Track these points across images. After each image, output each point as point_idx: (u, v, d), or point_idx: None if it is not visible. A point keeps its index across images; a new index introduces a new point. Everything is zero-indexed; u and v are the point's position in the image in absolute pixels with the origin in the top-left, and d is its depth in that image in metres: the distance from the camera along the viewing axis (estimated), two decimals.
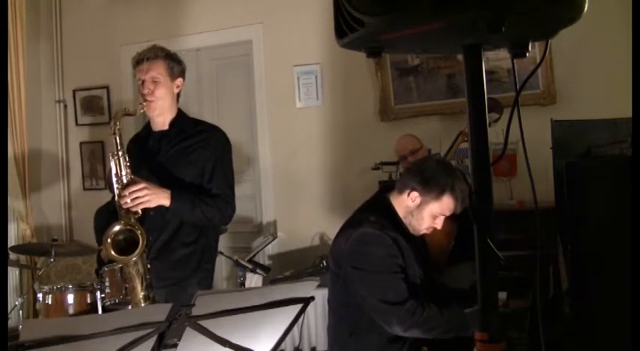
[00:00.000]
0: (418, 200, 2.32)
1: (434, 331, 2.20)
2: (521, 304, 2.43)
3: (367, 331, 2.28)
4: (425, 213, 2.32)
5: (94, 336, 1.24)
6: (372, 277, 2.23)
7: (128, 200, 2.34)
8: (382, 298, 2.20)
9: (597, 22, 3.49)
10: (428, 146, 3.72)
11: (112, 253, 2.31)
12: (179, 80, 2.63)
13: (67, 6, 5.35)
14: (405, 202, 2.35)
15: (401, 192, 2.37)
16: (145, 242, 2.33)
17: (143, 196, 2.36)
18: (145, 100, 2.52)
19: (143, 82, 2.54)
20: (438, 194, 2.29)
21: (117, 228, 2.33)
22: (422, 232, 2.39)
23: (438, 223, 2.36)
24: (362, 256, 2.25)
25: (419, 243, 2.45)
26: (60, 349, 1.21)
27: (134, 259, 2.33)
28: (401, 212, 2.37)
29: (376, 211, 2.36)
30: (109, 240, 2.30)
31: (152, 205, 2.40)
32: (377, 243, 2.24)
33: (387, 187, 2.54)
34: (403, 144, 3.66)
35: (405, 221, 2.37)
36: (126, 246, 2.34)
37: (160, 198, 2.41)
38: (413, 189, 2.32)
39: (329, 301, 2.48)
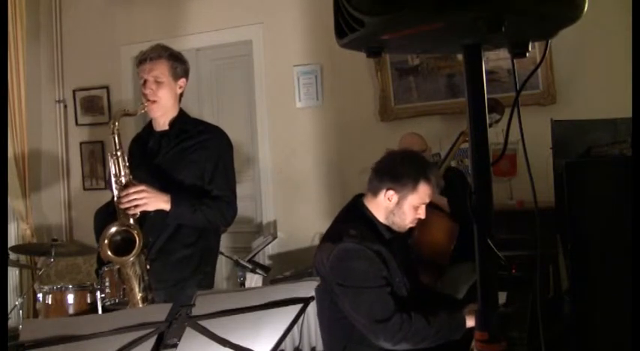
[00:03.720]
0: (395, 198, 2.32)
1: (423, 342, 2.18)
2: (521, 304, 2.43)
3: (361, 343, 2.25)
4: (405, 208, 2.32)
5: (94, 336, 1.24)
6: (357, 293, 2.19)
7: (125, 201, 2.33)
8: (368, 316, 2.18)
9: (597, 22, 3.49)
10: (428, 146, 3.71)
11: (109, 254, 2.29)
12: (182, 80, 2.60)
13: (67, 6, 5.35)
14: (382, 204, 2.34)
15: (376, 194, 2.35)
16: (141, 243, 2.31)
17: (141, 199, 2.34)
18: (147, 101, 2.50)
19: (145, 81, 2.51)
20: (414, 186, 2.30)
21: (113, 229, 2.31)
22: (408, 227, 2.38)
23: (421, 213, 2.35)
24: (345, 272, 2.22)
25: (400, 250, 2.42)
26: (60, 349, 1.21)
27: (131, 259, 2.31)
28: (381, 215, 2.35)
29: (355, 222, 2.33)
30: (105, 241, 2.28)
31: (150, 208, 2.38)
32: (358, 257, 2.21)
33: (360, 194, 2.51)
34: (410, 143, 3.61)
35: (388, 222, 2.35)
36: (123, 247, 2.32)
37: (159, 202, 2.39)
38: (388, 189, 2.32)
39: (319, 315, 2.44)
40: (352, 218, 2.37)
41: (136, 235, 2.31)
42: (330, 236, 2.35)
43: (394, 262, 2.28)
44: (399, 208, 2.32)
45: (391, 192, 2.31)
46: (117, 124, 2.39)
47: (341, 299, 2.24)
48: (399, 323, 2.14)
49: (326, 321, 2.40)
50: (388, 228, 2.37)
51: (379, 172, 2.39)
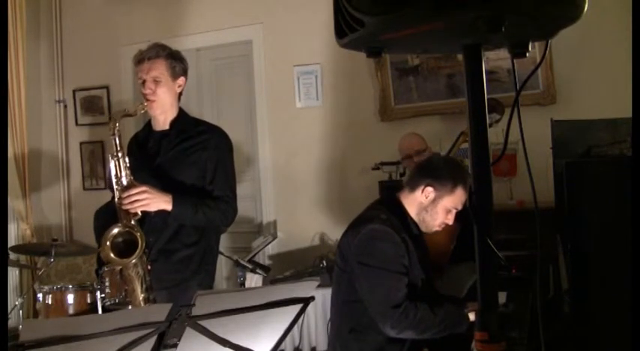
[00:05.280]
0: (432, 195, 2.35)
1: (427, 331, 2.21)
2: (521, 304, 2.43)
3: (368, 328, 2.28)
4: (439, 207, 2.35)
5: (94, 336, 1.24)
6: (376, 274, 2.23)
7: (127, 202, 2.33)
8: (381, 299, 2.21)
9: (597, 22, 3.49)
10: (428, 146, 3.71)
11: (111, 255, 2.29)
12: (181, 79, 2.60)
13: (67, 6, 5.35)
14: (418, 199, 2.38)
15: (413, 189, 2.39)
16: (143, 244, 2.32)
17: (143, 200, 2.34)
18: (147, 100, 2.51)
19: (144, 81, 2.52)
20: (452, 188, 2.33)
21: (115, 230, 2.31)
22: (435, 229, 2.41)
23: (450, 218, 2.39)
24: (370, 251, 2.26)
25: (422, 246, 2.45)
26: (60, 349, 1.21)
27: (134, 261, 2.32)
28: (413, 210, 2.39)
29: (387, 210, 2.38)
30: (107, 243, 2.29)
31: (152, 209, 2.39)
32: (386, 240, 2.26)
33: (396, 188, 2.56)
34: (409, 143, 3.64)
35: (418, 219, 2.39)
36: (125, 248, 2.32)
37: (161, 202, 2.39)
38: (427, 185, 2.35)
39: (333, 296, 2.48)
40: (385, 207, 2.42)
41: (138, 237, 2.32)
42: (362, 218, 2.40)
43: (416, 256, 2.32)
44: (433, 207, 2.36)
45: (430, 188, 2.35)
46: (117, 124, 2.40)
47: (359, 279, 2.28)
48: (406, 311, 2.18)
49: (339, 301, 2.43)
50: (416, 225, 2.40)
51: (421, 168, 2.45)
